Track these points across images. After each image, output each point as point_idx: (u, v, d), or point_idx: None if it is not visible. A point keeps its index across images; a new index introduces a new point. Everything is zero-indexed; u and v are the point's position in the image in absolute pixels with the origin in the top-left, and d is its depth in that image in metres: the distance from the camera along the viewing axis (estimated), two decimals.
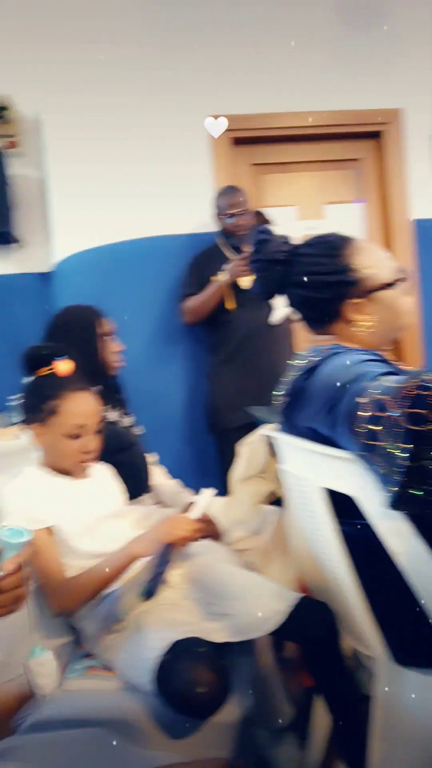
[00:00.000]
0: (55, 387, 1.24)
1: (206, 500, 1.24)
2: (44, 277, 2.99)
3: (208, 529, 1.57)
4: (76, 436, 1.23)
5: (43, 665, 0.64)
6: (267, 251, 1.29)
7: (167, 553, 1.15)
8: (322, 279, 1.23)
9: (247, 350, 2.48)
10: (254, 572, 1.22)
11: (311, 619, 1.09)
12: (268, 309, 2.48)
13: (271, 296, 1.35)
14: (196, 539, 1.19)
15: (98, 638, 1.14)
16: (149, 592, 1.19)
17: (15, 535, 0.69)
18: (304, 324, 1.36)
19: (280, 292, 1.33)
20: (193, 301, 2.54)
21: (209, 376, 2.58)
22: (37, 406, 1.24)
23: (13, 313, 2.93)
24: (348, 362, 1.09)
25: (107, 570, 1.12)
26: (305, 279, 1.24)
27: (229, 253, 2.56)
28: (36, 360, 1.27)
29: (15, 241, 2.92)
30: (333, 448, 1.07)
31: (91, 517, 1.23)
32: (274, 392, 1.32)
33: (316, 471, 1.13)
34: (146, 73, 2.77)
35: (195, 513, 1.19)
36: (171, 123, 2.78)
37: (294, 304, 1.32)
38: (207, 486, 1.74)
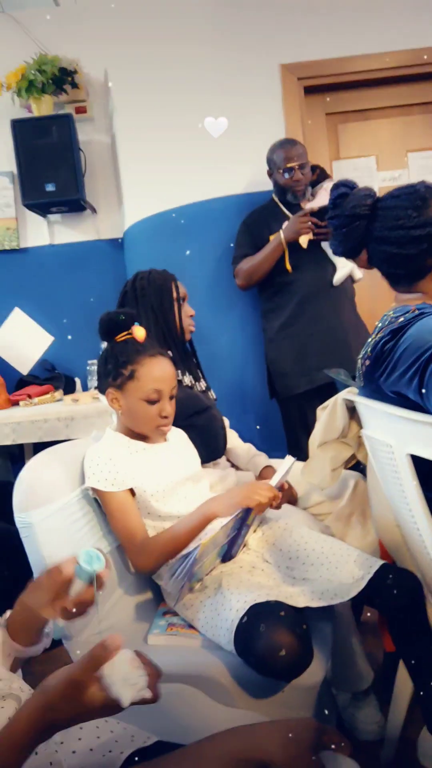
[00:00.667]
0: (133, 352, 1.25)
1: (287, 468, 1.22)
2: (116, 243, 3.01)
3: (286, 495, 1.56)
4: (154, 401, 1.24)
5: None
6: (347, 206, 1.23)
7: (245, 518, 1.15)
8: (408, 233, 1.15)
9: (307, 314, 2.34)
10: (333, 537, 1.20)
11: (394, 587, 1.06)
12: (330, 269, 2.35)
13: (353, 254, 1.29)
14: (273, 506, 1.18)
15: (179, 597, 1.17)
16: (228, 555, 1.20)
17: (90, 561, 0.72)
18: (388, 281, 1.29)
19: (361, 249, 1.27)
20: (249, 263, 2.41)
21: (267, 342, 2.48)
22: (115, 371, 1.25)
23: (88, 280, 2.98)
24: None
25: (184, 530, 1.14)
26: (390, 234, 1.17)
27: (285, 210, 2.42)
28: (113, 326, 1.28)
29: (88, 207, 2.95)
30: (421, 413, 1.02)
31: (168, 480, 1.25)
32: (357, 356, 1.26)
33: (402, 437, 1.08)
34: (212, 26, 2.65)
35: (275, 480, 1.18)
36: (240, 76, 2.66)
37: (377, 261, 1.26)
38: (273, 452, 1.73)
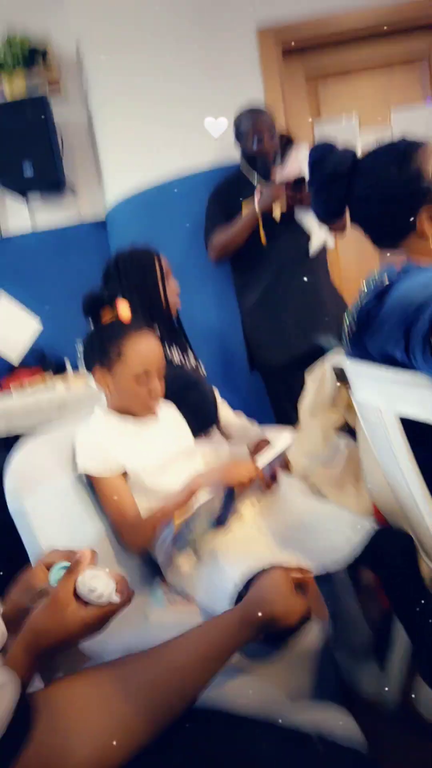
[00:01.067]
0: (119, 332, 1.24)
1: (280, 449, 1.21)
2: (99, 225, 2.97)
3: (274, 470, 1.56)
4: (143, 379, 1.24)
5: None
6: (327, 166, 1.20)
7: (231, 493, 1.15)
8: (390, 191, 1.13)
9: (283, 285, 2.30)
10: (328, 503, 1.21)
11: (389, 548, 1.07)
12: (304, 239, 2.30)
13: (335, 216, 1.26)
14: (262, 485, 1.19)
15: (172, 568, 1.18)
16: (220, 521, 1.20)
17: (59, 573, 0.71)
18: (371, 240, 1.27)
19: (343, 210, 1.24)
20: (222, 235, 2.35)
21: (244, 316, 2.44)
22: (102, 352, 1.24)
23: (72, 264, 2.95)
24: (424, 281, 1.02)
25: (172, 506, 1.14)
26: (372, 192, 1.15)
27: (255, 180, 2.37)
28: (97, 304, 1.27)
29: (67, 189, 2.90)
30: (409, 373, 1.01)
31: (161, 457, 1.25)
32: (343, 318, 1.25)
33: (390, 399, 1.08)
34: None
35: (263, 460, 1.17)
36: (216, 43, 2.59)
37: (359, 220, 1.23)
38: (262, 424, 1.72)
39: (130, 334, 1.24)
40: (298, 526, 1.17)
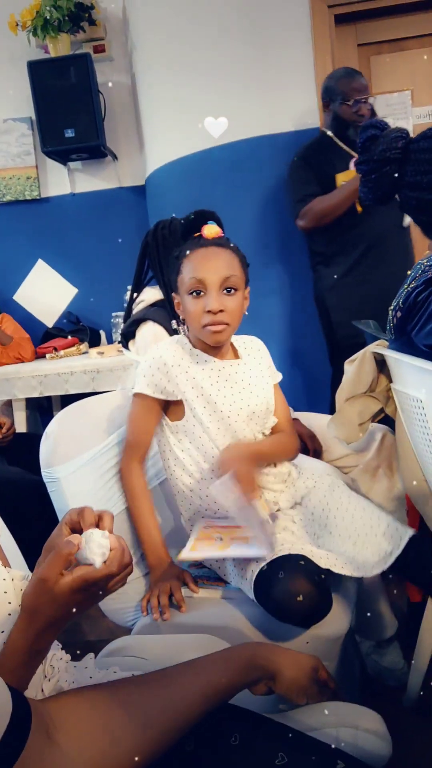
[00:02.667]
0: (190, 246, 1.15)
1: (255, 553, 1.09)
2: (139, 191, 2.94)
3: (312, 446, 1.55)
4: (197, 293, 1.12)
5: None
6: (377, 149, 1.15)
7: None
8: None
9: (374, 258, 2.19)
10: (366, 502, 1.17)
11: (422, 560, 1.05)
12: (397, 209, 2.21)
13: (383, 202, 1.22)
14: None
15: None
16: None
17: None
18: (421, 229, 1.23)
19: (393, 196, 1.20)
20: (322, 203, 2.19)
21: (328, 289, 2.32)
22: (175, 272, 1.18)
23: (110, 229, 2.93)
24: None
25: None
26: (423, 179, 1.10)
27: (346, 147, 2.24)
28: (187, 228, 1.19)
29: (109, 154, 2.86)
30: None
31: (229, 409, 1.16)
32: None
33: None
34: None
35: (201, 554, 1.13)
36: (266, 5, 2.49)
37: (408, 208, 1.19)
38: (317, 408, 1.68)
39: (197, 247, 1.14)
40: (329, 528, 1.15)
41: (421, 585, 1.13)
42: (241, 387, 1.20)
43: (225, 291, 1.12)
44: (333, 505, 1.18)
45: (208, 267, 1.11)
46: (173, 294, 1.20)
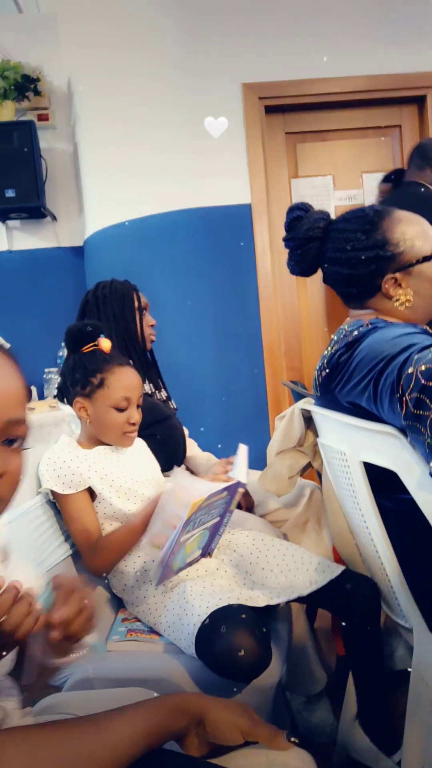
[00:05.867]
0: (101, 361, 1.28)
1: (243, 457, 1.24)
2: (76, 251, 3.01)
3: (245, 503, 1.59)
4: (122, 408, 1.26)
5: None
6: (302, 228, 1.28)
7: (230, 502, 1.15)
8: (358, 255, 1.21)
9: None
10: (296, 545, 1.23)
11: (352, 592, 1.11)
12: None
13: (308, 273, 1.34)
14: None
15: (136, 598, 1.18)
16: (208, 549, 1.20)
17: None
18: (342, 299, 1.35)
19: (316, 269, 1.32)
20: None
21: None
22: (84, 380, 1.26)
23: (47, 287, 2.97)
24: (391, 336, 1.09)
25: (138, 519, 1.13)
26: (341, 255, 1.23)
27: None
28: (81, 336, 1.30)
29: (48, 215, 2.94)
30: (374, 422, 1.07)
31: (130, 479, 1.26)
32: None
33: (356, 445, 1.13)
34: (178, 42, 2.70)
35: (234, 472, 1.20)
36: (202, 91, 2.72)
37: (330, 280, 1.31)
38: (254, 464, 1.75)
39: (113, 365, 1.28)
40: (261, 564, 1.19)
41: (347, 620, 1.17)
42: (138, 462, 1.34)
43: (137, 406, 1.30)
44: (265, 545, 1.23)
45: (133, 386, 1.29)
46: (77, 398, 1.29)
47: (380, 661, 1.22)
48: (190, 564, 1.16)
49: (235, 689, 1.02)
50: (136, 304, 1.63)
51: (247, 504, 1.61)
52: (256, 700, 1.03)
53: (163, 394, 1.70)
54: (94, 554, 1.18)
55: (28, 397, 0.65)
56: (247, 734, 0.74)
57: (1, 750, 0.58)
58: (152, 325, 1.69)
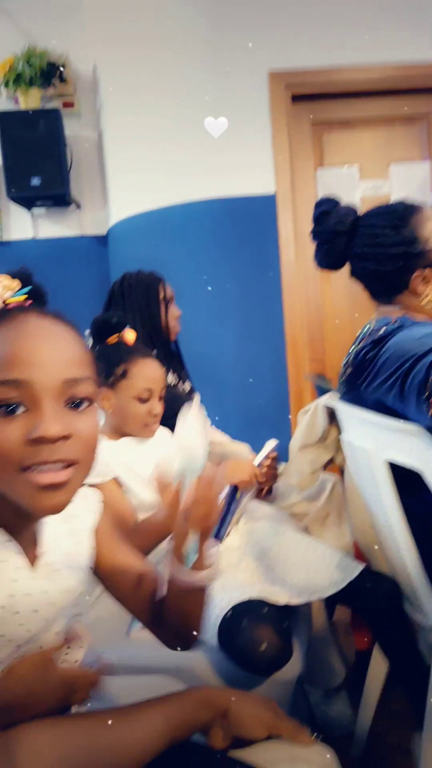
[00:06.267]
0: (125, 353, 1.29)
1: (270, 448, 1.26)
2: (100, 240, 3.01)
3: (269, 474, 1.59)
4: (145, 400, 1.28)
5: None
6: (329, 222, 1.27)
7: (233, 495, 1.17)
8: (386, 251, 1.20)
9: None
10: (317, 541, 1.24)
11: (373, 591, 1.11)
12: None
13: (335, 268, 1.33)
14: (256, 484, 1.22)
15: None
16: (218, 535, 1.22)
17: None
18: (369, 295, 1.34)
19: (343, 263, 1.31)
20: None
21: None
22: (107, 370, 1.28)
23: (70, 275, 2.98)
24: (419, 335, 1.08)
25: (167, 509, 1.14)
26: (369, 251, 1.22)
27: None
28: (106, 328, 1.31)
29: (73, 203, 2.94)
30: (399, 421, 1.06)
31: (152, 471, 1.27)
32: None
33: (380, 443, 1.13)
34: (204, 29, 2.67)
35: (257, 459, 1.21)
36: (229, 79, 2.69)
37: (357, 275, 1.30)
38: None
39: (136, 356, 1.30)
40: (282, 559, 1.20)
41: (370, 620, 1.18)
42: (163, 452, 1.35)
43: (159, 398, 1.32)
44: (287, 540, 1.23)
45: (155, 377, 1.30)
46: (105, 389, 1.30)
47: (413, 656, 1.21)
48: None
49: (255, 682, 1.03)
50: (162, 295, 1.64)
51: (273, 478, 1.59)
52: (276, 694, 1.04)
53: (187, 385, 1.71)
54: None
55: (91, 360, 0.66)
56: (270, 728, 0.75)
57: (35, 737, 0.60)
58: (178, 317, 1.70)
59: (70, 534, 0.78)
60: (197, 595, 0.78)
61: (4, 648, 0.64)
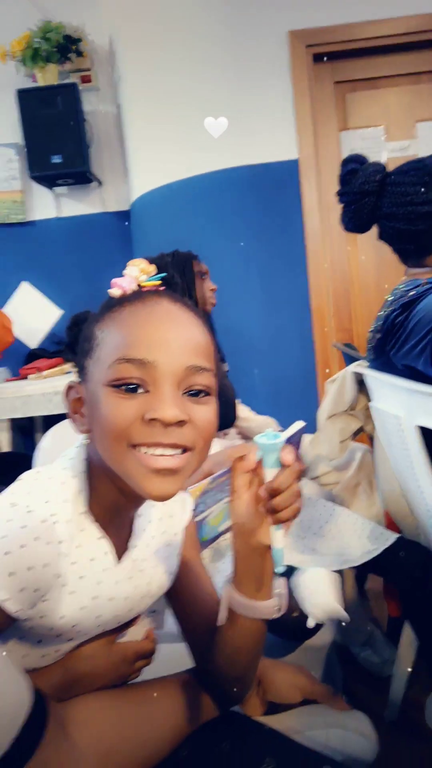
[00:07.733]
0: None
1: (296, 430, 1.24)
2: (123, 216, 3.00)
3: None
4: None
5: None
6: (356, 182, 1.23)
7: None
8: (417, 209, 1.16)
9: None
10: (349, 510, 1.23)
11: (406, 560, 1.10)
12: None
13: (362, 230, 1.29)
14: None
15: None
16: None
17: (272, 439, 0.61)
18: (398, 257, 1.30)
19: (371, 225, 1.27)
20: None
21: None
22: None
23: (94, 252, 2.98)
24: None
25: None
26: (398, 210, 1.17)
27: None
28: None
29: (94, 179, 2.93)
30: (430, 385, 1.04)
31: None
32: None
33: (411, 409, 1.10)
34: None
35: (284, 435, 1.20)
36: (247, 42, 2.60)
37: (386, 237, 1.26)
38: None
39: None
40: (314, 530, 1.20)
41: (402, 588, 1.17)
42: None
43: None
44: (318, 511, 1.23)
45: None
46: None
47: None
48: (223, 533, 1.19)
49: (288, 649, 1.04)
50: (196, 268, 1.65)
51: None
52: (309, 660, 1.05)
53: (225, 366, 1.72)
54: None
55: (214, 354, 0.64)
56: (304, 693, 0.76)
57: (86, 708, 0.62)
58: (213, 290, 1.72)
59: (162, 533, 0.74)
60: (256, 633, 0.68)
61: (78, 638, 0.65)
